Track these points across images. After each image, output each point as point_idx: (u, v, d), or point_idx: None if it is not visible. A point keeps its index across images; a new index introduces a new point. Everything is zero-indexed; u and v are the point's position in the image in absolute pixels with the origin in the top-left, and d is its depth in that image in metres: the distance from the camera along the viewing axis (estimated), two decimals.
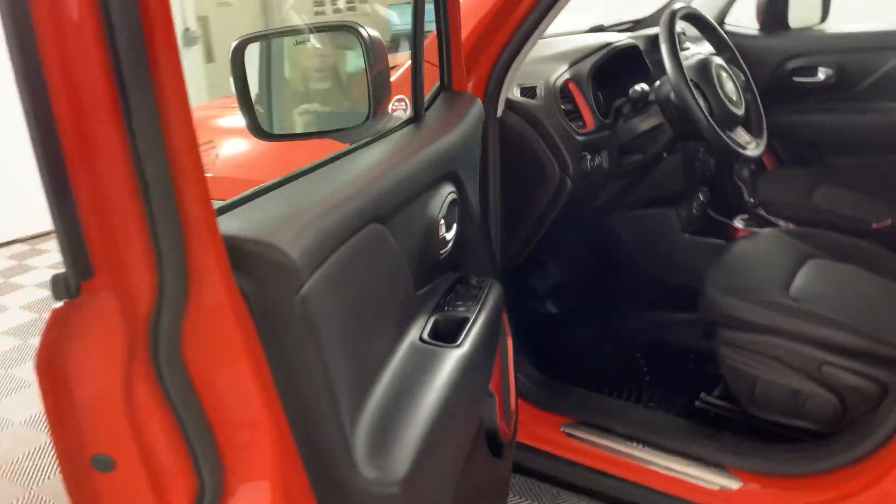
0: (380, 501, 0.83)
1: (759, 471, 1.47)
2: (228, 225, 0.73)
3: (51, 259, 3.77)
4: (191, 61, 4.35)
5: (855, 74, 2.36)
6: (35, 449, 2.09)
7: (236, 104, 1.16)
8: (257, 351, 0.73)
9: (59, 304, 0.62)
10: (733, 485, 1.48)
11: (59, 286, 0.60)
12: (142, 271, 0.63)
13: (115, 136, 0.59)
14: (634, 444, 1.60)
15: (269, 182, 0.87)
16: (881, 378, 1.39)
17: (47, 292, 3.21)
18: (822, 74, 2.38)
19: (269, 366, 0.74)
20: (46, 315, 0.62)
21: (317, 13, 4.87)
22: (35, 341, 2.77)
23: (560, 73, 1.66)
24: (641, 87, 1.69)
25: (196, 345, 0.68)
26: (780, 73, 2.44)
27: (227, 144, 1.91)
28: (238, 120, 1.20)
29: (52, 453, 2.07)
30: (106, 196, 0.60)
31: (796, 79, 2.43)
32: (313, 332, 0.77)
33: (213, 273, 0.67)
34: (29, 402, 2.35)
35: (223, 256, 0.68)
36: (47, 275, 3.50)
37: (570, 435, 1.67)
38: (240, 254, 0.71)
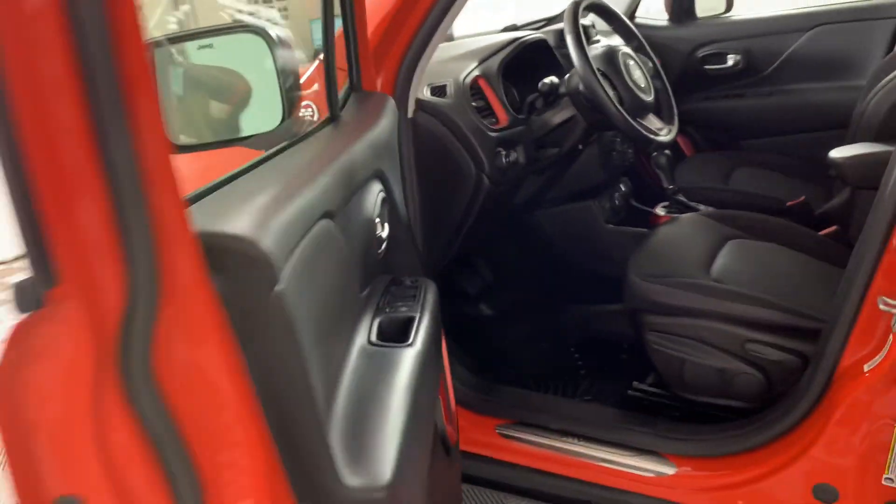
0: None
1: (692, 454, 1.48)
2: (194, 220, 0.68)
3: None
4: None
5: (761, 59, 2.43)
6: None
7: None
8: (235, 356, 0.68)
9: (21, 317, 0.56)
10: (668, 470, 1.48)
11: (25, 294, 0.54)
12: (110, 276, 0.57)
13: (78, 131, 0.54)
14: (570, 440, 1.59)
15: (212, 182, 0.82)
16: (801, 350, 1.41)
17: None
18: (730, 60, 2.44)
19: (247, 372, 0.69)
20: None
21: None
22: None
23: (469, 71, 1.64)
24: (551, 80, 1.68)
25: (170, 354, 0.62)
26: (692, 61, 2.49)
27: None
28: None
29: None
30: (71, 196, 0.55)
31: (707, 66, 2.48)
32: (291, 331, 0.73)
33: (187, 273, 0.62)
34: None
35: (197, 254, 0.63)
36: None
37: (505, 436, 1.64)
38: (210, 250, 0.66)
